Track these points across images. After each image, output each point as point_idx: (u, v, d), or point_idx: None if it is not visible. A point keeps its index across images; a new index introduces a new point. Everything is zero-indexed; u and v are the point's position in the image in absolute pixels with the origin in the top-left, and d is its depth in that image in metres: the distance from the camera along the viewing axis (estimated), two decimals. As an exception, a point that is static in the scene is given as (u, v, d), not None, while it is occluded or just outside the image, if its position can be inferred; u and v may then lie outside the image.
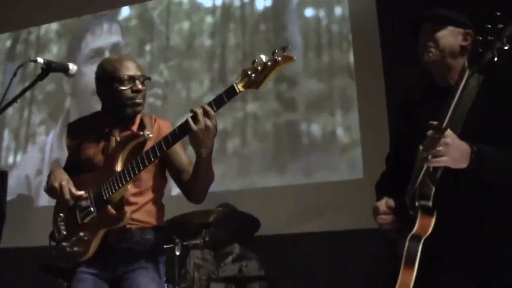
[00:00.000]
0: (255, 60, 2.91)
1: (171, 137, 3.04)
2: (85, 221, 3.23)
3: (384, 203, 2.85)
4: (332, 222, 5.97)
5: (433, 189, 2.59)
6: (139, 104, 3.38)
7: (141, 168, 3.11)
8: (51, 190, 3.30)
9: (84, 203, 3.24)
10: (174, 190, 6.21)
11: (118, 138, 3.39)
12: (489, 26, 2.44)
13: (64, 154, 3.81)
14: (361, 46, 6.60)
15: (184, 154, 3.43)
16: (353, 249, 5.58)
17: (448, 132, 2.45)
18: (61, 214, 3.34)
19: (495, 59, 2.42)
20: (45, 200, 7.34)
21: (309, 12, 7.03)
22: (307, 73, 6.79)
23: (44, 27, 8.57)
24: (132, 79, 3.34)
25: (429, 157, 2.46)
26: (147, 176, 3.37)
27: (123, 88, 3.33)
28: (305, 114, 6.70)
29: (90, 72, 7.40)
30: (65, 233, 3.32)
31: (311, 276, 5.66)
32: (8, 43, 8.78)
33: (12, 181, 7.65)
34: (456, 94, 2.48)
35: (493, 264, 2.56)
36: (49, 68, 3.23)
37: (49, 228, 3.45)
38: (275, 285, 5.48)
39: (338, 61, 6.77)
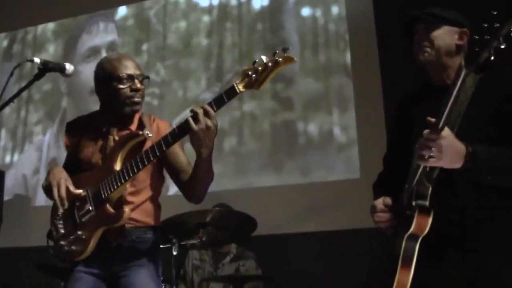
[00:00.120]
0: (255, 61, 2.92)
1: (170, 136, 3.05)
2: (83, 220, 3.24)
3: (381, 201, 2.86)
4: (329, 222, 5.97)
5: (430, 188, 2.60)
6: (137, 103, 3.38)
7: (140, 167, 3.12)
8: (48, 188, 3.31)
9: (82, 202, 3.25)
10: (171, 189, 6.22)
11: (117, 137, 3.40)
12: (486, 25, 2.44)
13: (61, 153, 3.81)
14: (358, 46, 6.60)
15: (183, 154, 3.43)
16: (350, 249, 5.59)
17: (445, 132, 2.45)
18: (59, 213, 3.34)
19: (492, 58, 2.43)
20: (42, 200, 7.35)
21: (306, 11, 7.02)
22: (304, 72, 6.78)
23: (40, 27, 8.57)
24: (131, 78, 3.35)
25: (425, 156, 2.47)
26: (144, 176, 3.38)
27: (122, 86, 3.33)
28: (302, 114, 6.69)
29: (87, 71, 7.48)
30: (63, 231, 3.33)
31: (308, 276, 5.66)
32: (5, 43, 8.77)
33: (9, 181, 7.67)
34: (452, 93, 2.48)
35: (486, 262, 2.57)
36: (46, 68, 3.23)
37: (47, 227, 3.45)
38: (272, 285, 5.49)
39: (335, 60, 6.77)
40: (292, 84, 6.79)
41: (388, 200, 2.85)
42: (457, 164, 2.49)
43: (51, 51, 8.36)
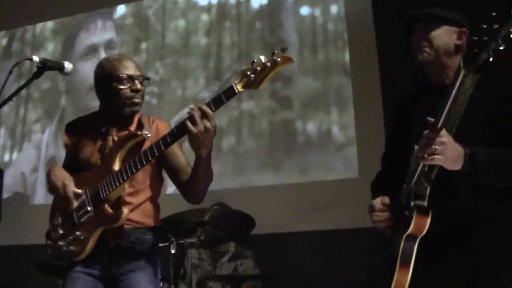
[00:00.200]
0: (254, 61, 2.92)
1: (169, 137, 3.04)
2: (81, 220, 3.24)
3: (379, 201, 2.86)
4: (328, 221, 5.98)
5: (428, 189, 2.60)
6: (137, 104, 3.38)
7: (139, 167, 3.12)
8: (53, 189, 3.31)
9: (81, 202, 3.25)
10: (169, 188, 6.20)
11: (116, 138, 3.39)
12: (485, 26, 2.44)
13: (60, 151, 3.82)
14: (356, 45, 6.60)
15: (182, 154, 3.43)
16: (348, 248, 5.59)
17: (443, 132, 2.46)
18: (58, 213, 3.35)
19: (491, 59, 2.43)
20: (41, 198, 7.36)
21: (304, 10, 7.02)
22: (302, 71, 6.78)
23: (40, 26, 8.57)
24: (131, 78, 3.35)
25: (425, 155, 2.47)
26: (143, 176, 3.38)
27: (122, 87, 3.33)
28: (300, 113, 6.70)
29: (85, 69, 7.47)
30: (61, 232, 3.32)
31: (306, 275, 5.67)
32: (4, 41, 8.77)
33: (8, 179, 7.67)
34: (451, 94, 2.48)
35: (486, 262, 2.57)
36: (44, 66, 3.23)
37: (45, 226, 3.45)
38: (270, 284, 5.49)
39: (334, 59, 6.77)
40: (291, 83, 6.79)
41: (386, 200, 2.85)
42: (457, 165, 2.50)
43: (50, 50, 8.36)
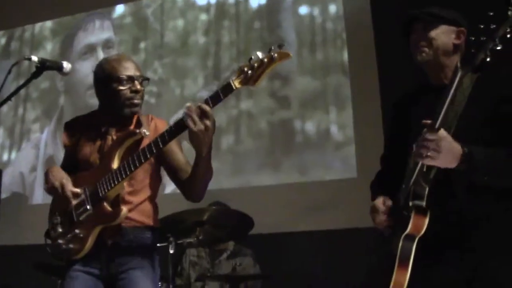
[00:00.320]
0: (251, 57, 2.92)
1: (167, 134, 3.05)
2: (80, 218, 3.24)
3: (381, 202, 2.86)
4: (326, 221, 5.97)
5: (427, 189, 2.60)
6: (137, 105, 3.38)
7: (137, 165, 3.12)
8: (51, 189, 3.32)
9: (79, 201, 3.26)
10: (168, 188, 6.22)
11: (115, 137, 3.39)
12: (482, 26, 2.44)
13: (58, 151, 3.82)
14: (355, 44, 6.60)
15: (181, 152, 3.43)
16: (347, 248, 5.59)
17: (441, 132, 2.46)
18: (57, 212, 3.35)
19: (488, 59, 2.43)
20: (39, 198, 7.36)
21: (303, 10, 7.02)
22: (301, 70, 6.79)
23: (38, 25, 8.57)
24: (131, 79, 3.35)
25: (423, 155, 2.47)
26: (143, 175, 3.38)
27: (122, 88, 3.33)
28: (299, 112, 6.70)
29: (83, 69, 7.48)
30: (60, 230, 3.33)
31: (305, 275, 5.67)
32: (3, 41, 8.77)
33: (7, 179, 7.68)
34: (449, 94, 2.48)
35: (484, 262, 2.58)
36: (43, 66, 3.23)
37: (44, 226, 3.46)
38: (270, 283, 5.49)
39: (333, 59, 6.77)
40: (289, 82, 6.79)
41: (389, 201, 2.85)
42: (452, 164, 2.50)
43: (48, 49, 8.36)
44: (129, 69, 3.36)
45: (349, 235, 5.68)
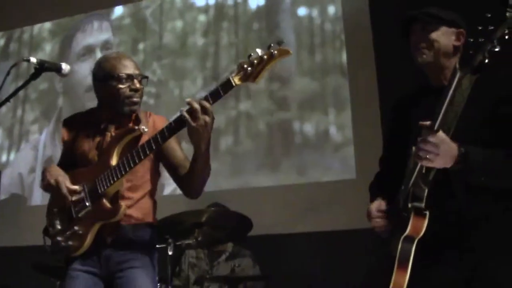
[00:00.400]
0: (250, 54, 2.92)
1: (167, 130, 3.06)
2: (79, 215, 3.26)
3: (375, 208, 2.87)
4: (325, 222, 5.97)
5: (426, 190, 2.60)
6: (136, 103, 3.40)
7: (137, 161, 3.14)
8: (47, 186, 3.32)
9: (78, 198, 3.26)
10: (167, 189, 6.23)
11: (114, 134, 3.39)
12: (480, 28, 2.44)
13: (57, 152, 3.82)
14: (354, 45, 6.60)
15: (180, 149, 3.45)
16: (346, 249, 5.58)
17: (439, 134, 2.47)
18: (56, 209, 3.36)
19: (486, 60, 2.43)
20: (38, 199, 7.35)
21: (302, 11, 7.02)
22: (300, 72, 6.79)
23: (37, 26, 8.56)
24: (130, 77, 3.36)
25: (422, 157, 2.48)
26: (143, 171, 3.40)
27: (121, 86, 3.34)
28: (298, 113, 6.70)
29: (82, 70, 7.47)
30: (59, 227, 3.34)
31: (304, 276, 5.66)
32: (2, 42, 8.76)
33: (6, 180, 7.68)
34: (447, 95, 2.49)
35: (483, 262, 2.58)
36: (42, 67, 3.24)
37: (43, 227, 3.47)
38: (268, 285, 5.49)
39: (331, 60, 6.77)
40: (288, 83, 6.79)
41: (382, 205, 2.85)
42: (448, 164, 2.51)
43: (47, 51, 8.35)
44: (128, 68, 3.38)
45: (348, 236, 5.67)
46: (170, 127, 3.06)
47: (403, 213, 2.66)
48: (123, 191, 3.31)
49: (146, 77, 3.47)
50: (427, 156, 2.49)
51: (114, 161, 3.24)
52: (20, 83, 3.31)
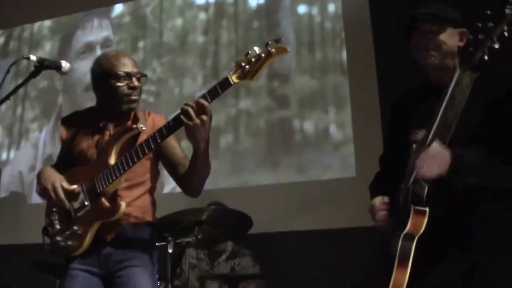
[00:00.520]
0: (248, 52, 2.92)
1: (165, 129, 3.06)
2: (78, 214, 3.25)
3: (379, 200, 2.86)
4: (325, 221, 5.96)
5: (426, 188, 2.60)
6: (134, 101, 3.39)
7: (135, 160, 3.13)
8: (43, 191, 3.32)
9: (77, 197, 3.26)
10: (166, 187, 6.22)
11: (112, 133, 3.39)
12: (480, 25, 2.44)
13: (57, 150, 3.81)
14: (354, 44, 6.59)
15: (179, 147, 3.44)
16: (346, 248, 5.59)
17: (431, 148, 2.49)
18: (55, 208, 3.35)
19: (486, 57, 2.43)
20: (38, 198, 7.31)
21: (302, 9, 7.02)
22: (300, 70, 6.79)
23: (37, 24, 8.55)
24: (128, 75, 3.35)
25: (417, 167, 2.52)
26: (142, 170, 3.39)
27: (119, 84, 3.33)
28: (298, 111, 6.69)
29: (82, 68, 7.46)
30: (58, 227, 3.34)
31: (304, 274, 5.66)
32: (1, 40, 8.76)
33: (5, 178, 7.68)
34: (447, 93, 2.49)
35: (483, 262, 2.57)
36: (42, 65, 3.23)
37: (42, 225, 3.46)
38: (268, 283, 5.49)
39: (331, 58, 6.77)
40: (288, 81, 6.79)
41: (386, 199, 2.85)
42: (443, 172, 2.53)
43: (47, 49, 8.35)
44: (127, 66, 3.37)
45: (348, 234, 5.68)
46: (169, 126, 3.06)
47: (403, 211, 2.66)
48: (122, 189, 3.30)
49: (145, 75, 3.47)
50: (425, 169, 2.54)
51: (112, 160, 3.23)
52: (20, 81, 3.30)
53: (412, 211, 2.59)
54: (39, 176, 3.41)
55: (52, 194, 3.24)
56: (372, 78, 6.25)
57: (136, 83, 3.37)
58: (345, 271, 5.46)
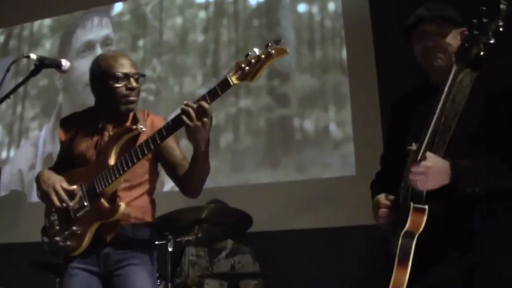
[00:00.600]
0: (248, 53, 2.93)
1: (164, 130, 3.07)
2: (78, 215, 3.26)
3: (384, 197, 2.86)
4: (325, 219, 5.97)
5: (425, 187, 2.60)
6: (133, 102, 3.40)
7: (135, 161, 3.14)
8: (44, 196, 3.33)
9: (76, 198, 3.26)
10: (166, 186, 6.22)
11: (112, 133, 3.39)
12: (475, 21, 2.44)
13: (57, 149, 3.82)
14: (354, 42, 6.59)
15: (178, 148, 3.45)
16: (345, 246, 5.59)
17: (422, 163, 2.50)
18: (54, 209, 3.35)
19: (482, 53, 2.43)
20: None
21: (302, 7, 7.02)
22: (300, 68, 6.78)
23: (37, 23, 8.55)
24: (126, 76, 3.36)
25: (413, 184, 2.55)
26: (141, 171, 3.40)
27: (117, 85, 3.34)
28: (298, 110, 6.69)
29: (82, 66, 7.46)
30: (58, 227, 3.34)
31: (303, 272, 5.66)
32: (1, 39, 8.76)
33: (5, 176, 7.68)
34: (444, 90, 2.49)
35: (484, 262, 2.57)
36: (42, 64, 3.24)
37: (42, 223, 3.47)
38: (268, 281, 5.49)
39: (331, 56, 6.77)
40: (288, 80, 6.79)
41: (391, 197, 2.84)
42: (445, 181, 2.54)
43: (47, 47, 8.35)
44: (124, 66, 3.38)
45: (348, 232, 5.68)
46: (168, 127, 3.07)
47: (403, 210, 2.66)
48: (121, 190, 3.30)
49: (143, 75, 3.47)
50: (418, 185, 2.55)
51: (112, 161, 3.23)
52: (20, 80, 3.31)
53: (411, 209, 2.58)
54: (38, 179, 3.42)
55: (55, 198, 3.25)
56: (372, 76, 6.25)
57: (134, 84, 3.37)
58: (345, 270, 5.47)
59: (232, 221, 4.88)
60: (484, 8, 2.42)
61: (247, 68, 2.91)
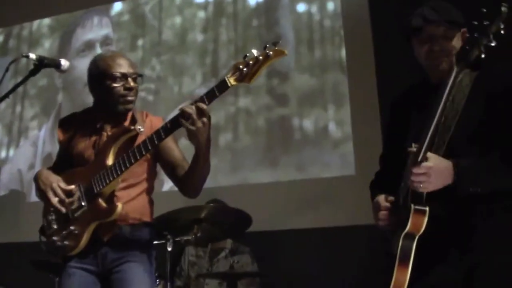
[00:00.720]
0: (246, 55, 2.93)
1: (163, 131, 3.07)
2: (75, 215, 3.26)
3: (384, 198, 2.85)
4: (324, 219, 5.96)
5: (426, 187, 2.60)
6: (130, 102, 3.41)
7: (133, 162, 3.14)
8: (42, 195, 3.33)
9: (75, 198, 3.26)
10: (165, 185, 6.22)
11: (110, 134, 3.40)
12: (476, 23, 2.44)
13: (56, 148, 3.82)
14: (353, 42, 6.59)
15: (177, 148, 3.46)
16: (345, 246, 5.59)
17: (424, 164, 2.49)
18: (52, 208, 3.35)
19: (482, 55, 2.43)
20: (37, 195, 7.35)
21: (301, 7, 7.02)
22: (299, 68, 6.78)
23: (36, 22, 8.55)
24: (124, 76, 3.36)
25: (416, 186, 2.54)
26: (140, 171, 3.41)
27: (115, 85, 3.35)
28: (297, 109, 6.69)
29: (82, 65, 7.43)
30: (55, 227, 3.34)
31: (302, 272, 5.66)
32: (1, 38, 8.75)
33: (5, 176, 7.68)
34: (444, 91, 2.49)
35: (484, 262, 2.57)
36: (41, 64, 3.25)
37: (41, 223, 3.46)
38: (267, 281, 5.49)
39: (330, 56, 6.77)
40: (287, 80, 6.78)
41: (391, 197, 2.84)
42: (448, 181, 2.54)
43: (46, 47, 8.34)
44: (122, 66, 3.38)
45: (347, 232, 5.68)
46: (166, 128, 3.07)
47: (403, 211, 2.65)
48: (119, 190, 3.31)
49: (141, 75, 3.48)
50: (421, 186, 2.54)
51: (110, 161, 3.24)
52: (19, 79, 3.31)
53: (412, 211, 2.58)
54: (36, 179, 3.42)
55: (52, 197, 3.25)
56: (371, 76, 6.24)
57: (131, 84, 3.38)
58: (344, 269, 5.47)
59: (231, 221, 4.88)
60: (484, 10, 2.42)
61: (245, 69, 2.91)
